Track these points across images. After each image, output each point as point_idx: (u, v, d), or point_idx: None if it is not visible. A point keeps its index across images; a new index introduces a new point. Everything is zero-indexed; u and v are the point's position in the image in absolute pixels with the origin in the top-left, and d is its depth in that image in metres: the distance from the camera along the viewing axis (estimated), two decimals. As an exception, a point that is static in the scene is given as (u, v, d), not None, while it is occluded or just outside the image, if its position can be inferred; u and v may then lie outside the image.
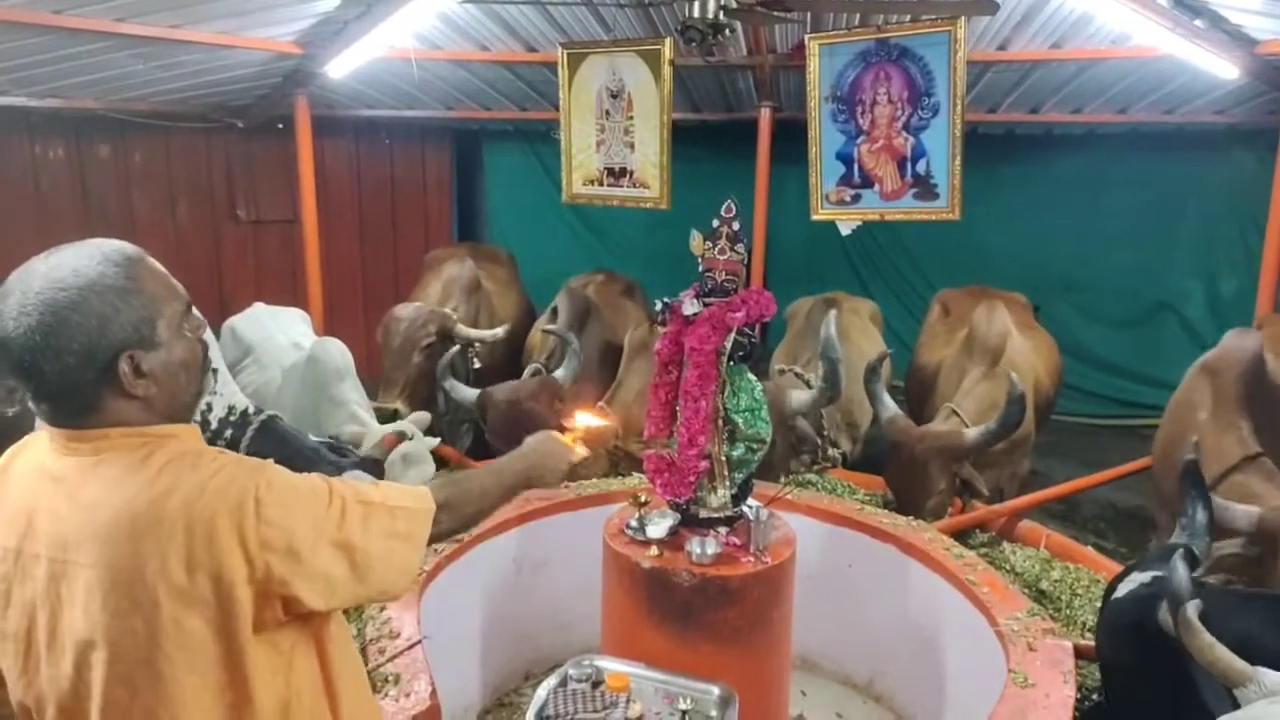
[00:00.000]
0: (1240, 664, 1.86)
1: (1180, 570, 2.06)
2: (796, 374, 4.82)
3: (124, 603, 1.23)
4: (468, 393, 4.68)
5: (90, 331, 1.25)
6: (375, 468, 3.32)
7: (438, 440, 3.85)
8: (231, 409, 3.44)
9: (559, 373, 4.68)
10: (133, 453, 1.30)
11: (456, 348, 5.01)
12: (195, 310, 1.41)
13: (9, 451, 1.43)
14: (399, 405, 4.78)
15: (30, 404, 1.32)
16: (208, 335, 1.49)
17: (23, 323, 1.23)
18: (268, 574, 1.27)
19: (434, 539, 1.54)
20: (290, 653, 1.37)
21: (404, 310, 5.16)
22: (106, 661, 1.25)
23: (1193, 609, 1.97)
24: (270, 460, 1.37)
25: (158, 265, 1.37)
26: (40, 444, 1.37)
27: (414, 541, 1.48)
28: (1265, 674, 1.83)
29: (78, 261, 1.27)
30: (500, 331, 5.23)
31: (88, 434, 1.30)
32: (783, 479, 4.18)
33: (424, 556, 1.51)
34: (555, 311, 5.30)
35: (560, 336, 4.83)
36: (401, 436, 3.49)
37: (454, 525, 1.61)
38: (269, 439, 3.38)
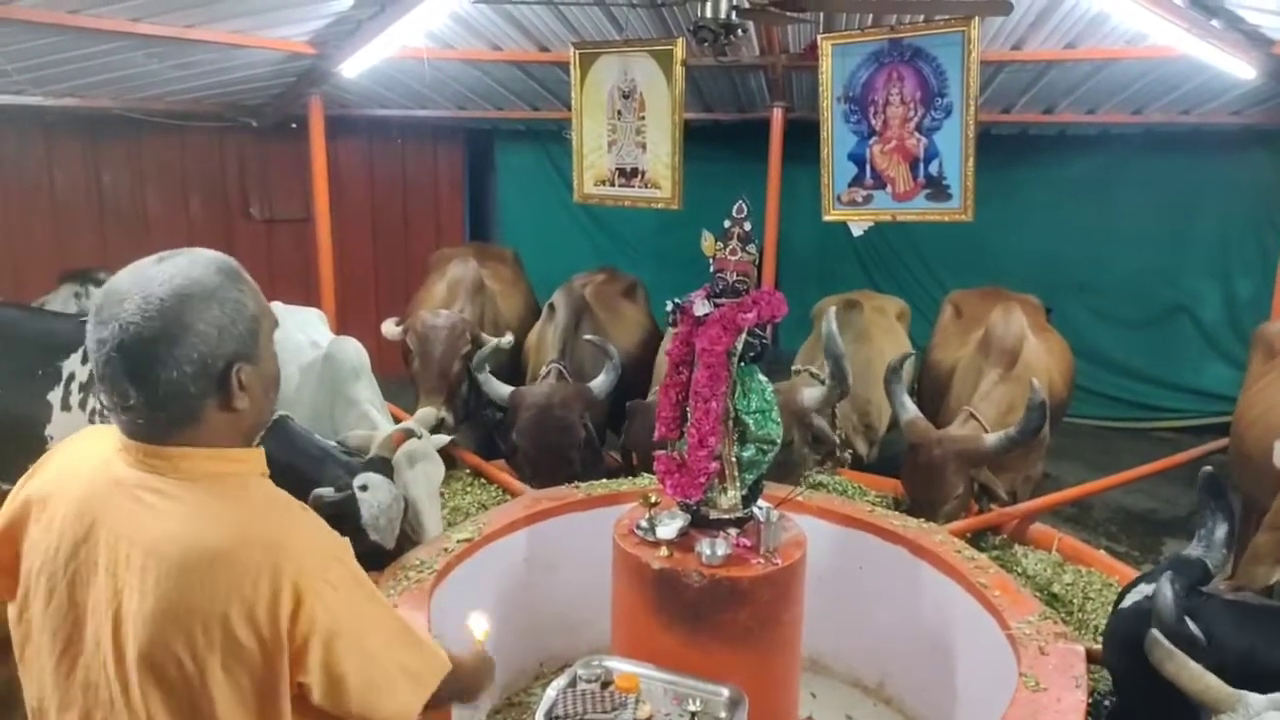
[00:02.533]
0: (1225, 688, 1.86)
1: (1166, 594, 2.05)
2: (812, 373, 4.81)
3: (174, 634, 1.21)
4: (501, 388, 4.69)
5: (210, 341, 1.24)
6: (384, 467, 3.33)
7: (447, 439, 3.85)
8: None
9: (595, 383, 4.65)
10: (215, 483, 1.28)
11: (493, 343, 5.03)
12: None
13: (72, 445, 1.42)
14: (446, 413, 4.82)
15: (115, 414, 1.28)
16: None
17: (147, 328, 1.20)
18: (304, 649, 1.25)
19: (430, 702, 1.44)
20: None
21: (440, 319, 5.16)
22: (154, 686, 1.23)
23: (1160, 637, 1.99)
24: (344, 540, 1.36)
25: (251, 281, 1.35)
26: (103, 449, 1.33)
27: (422, 684, 1.41)
28: (1253, 698, 1.82)
29: (194, 269, 1.26)
30: (506, 339, 5.23)
31: (168, 451, 1.27)
32: (803, 477, 4.17)
33: (420, 707, 1.41)
34: (552, 308, 5.30)
35: (602, 349, 4.82)
36: (408, 434, 3.50)
37: (446, 698, 1.52)
38: (279, 439, 3.39)
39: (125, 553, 1.24)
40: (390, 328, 5.22)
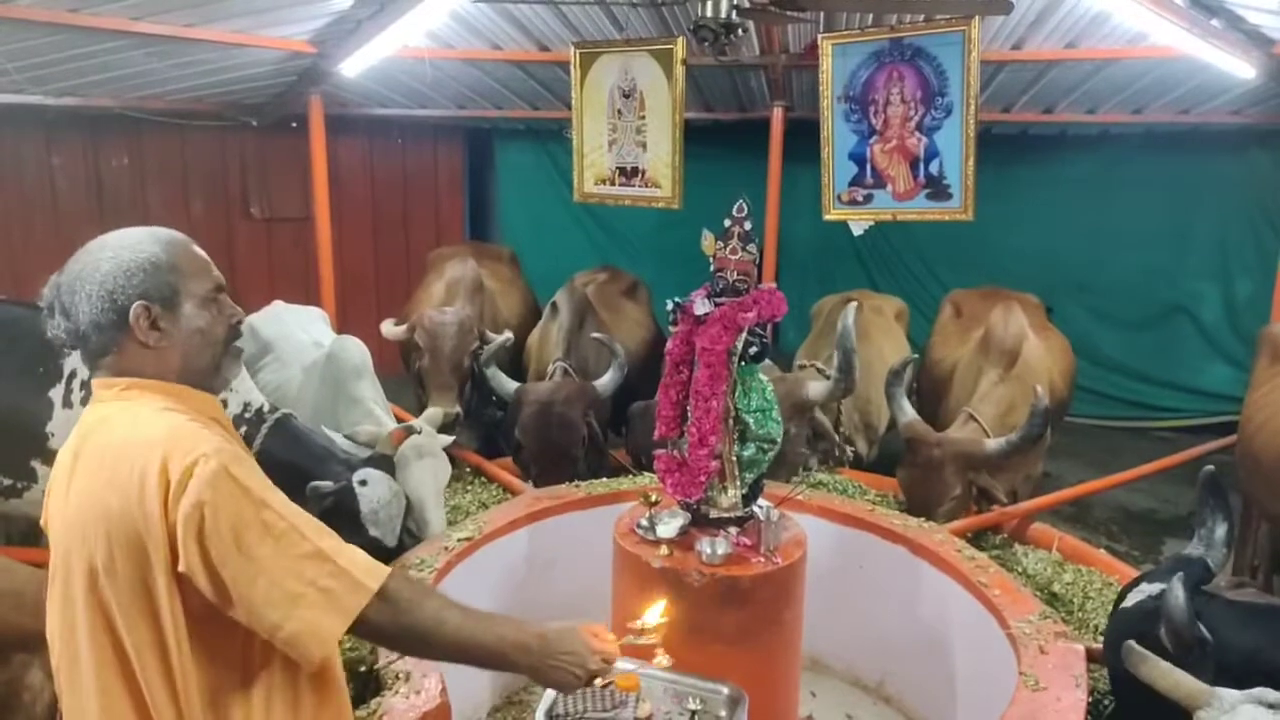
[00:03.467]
0: (1198, 685, 1.87)
1: (1178, 595, 2.05)
2: (818, 369, 4.81)
3: (80, 528, 1.36)
4: (508, 383, 4.70)
5: (116, 277, 1.43)
6: (385, 464, 3.33)
7: (450, 439, 3.86)
8: (247, 406, 3.46)
9: (601, 381, 4.65)
10: (146, 403, 1.44)
11: (498, 340, 5.03)
12: (229, 299, 1.58)
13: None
14: (458, 408, 4.84)
15: (71, 348, 1.51)
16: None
17: (72, 269, 1.45)
18: (174, 539, 1.32)
19: (363, 631, 1.43)
20: (249, 670, 1.42)
21: (449, 316, 5.15)
22: (82, 590, 1.37)
23: (1132, 643, 2.02)
24: (237, 451, 1.42)
25: (199, 252, 1.55)
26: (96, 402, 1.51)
27: (332, 601, 1.37)
28: (1225, 693, 1.83)
29: (130, 232, 1.50)
30: (505, 336, 5.22)
31: (115, 381, 1.46)
32: (800, 472, 4.16)
33: (339, 630, 1.38)
34: (555, 307, 5.30)
35: (609, 347, 4.82)
36: (410, 431, 3.50)
37: (390, 630, 1.45)
38: (282, 437, 3.39)
39: (72, 467, 1.42)
40: (390, 328, 5.19)
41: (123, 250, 1.45)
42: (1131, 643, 2.01)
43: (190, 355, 1.50)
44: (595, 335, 5.03)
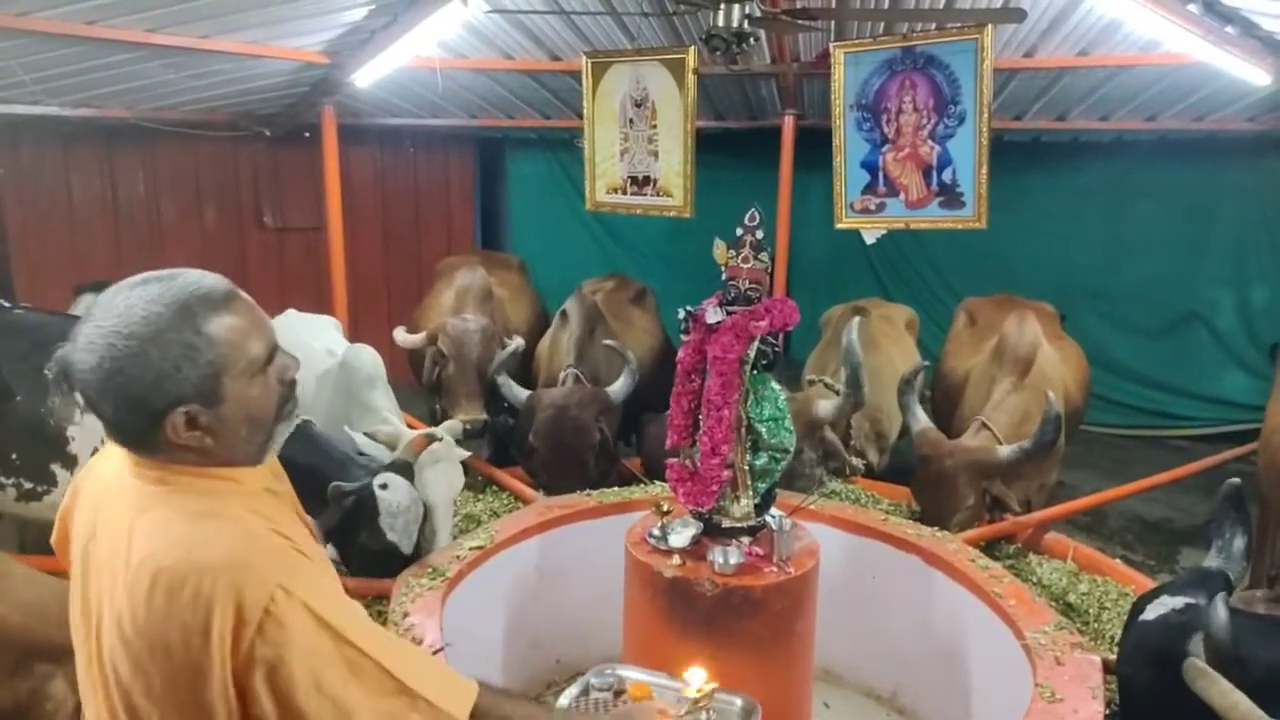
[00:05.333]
0: (1257, 711, 1.85)
1: (1221, 614, 2.03)
2: (826, 384, 4.80)
3: (131, 641, 1.22)
4: (520, 392, 4.71)
5: (145, 385, 1.23)
6: (405, 470, 3.34)
7: (469, 453, 3.86)
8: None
9: (613, 388, 4.66)
10: (198, 499, 1.28)
11: (510, 348, 5.04)
12: (284, 353, 1.38)
13: (106, 449, 1.45)
14: (486, 415, 4.88)
15: None
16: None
17: (85, 360, 1.23)
18: (246, 676, 1.21)
19: None
20: None
21: (472, 324, 5.16)
22: (113, 690, 1.25)
23: (1200, 660, 1.99)
24: (307, 567, 1.30)
25: (246, 305, 1.32)
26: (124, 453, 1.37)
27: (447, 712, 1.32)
28: None
29: (152, 306, 1.24)
30: (517, 343, 5.23)
31: (151, 463, 1.30)
32: (813, 489, 4.15)
33: None
34: (565, 315, 5.31)
35: (620, 354, 4.83)
36: (431, 439, 3.51)
37: None
38: (302, 442, 3.41)
39: (110, 552, 1.28)
40: (404, 335, 5.18)
41: (148, 343, 1.21)
42: (1195, 659, 2.00)
43: (239, 443, 1.34)
44: (607, 342, 5.04)
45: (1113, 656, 2.78)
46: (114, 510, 1.31)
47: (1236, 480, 2.65)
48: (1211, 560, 2.54)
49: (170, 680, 1.21)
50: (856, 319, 4.45)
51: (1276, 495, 3.99)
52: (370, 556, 3.27)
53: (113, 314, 1.23)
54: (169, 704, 1.22)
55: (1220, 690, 1.92)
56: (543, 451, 4.44)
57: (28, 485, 3.53)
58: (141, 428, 1.26)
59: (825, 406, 4.26)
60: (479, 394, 4.97)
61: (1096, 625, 3.29)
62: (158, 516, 1.26)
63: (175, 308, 1.24)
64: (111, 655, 1.25)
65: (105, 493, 1.35)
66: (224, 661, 1.19)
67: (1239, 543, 2.54)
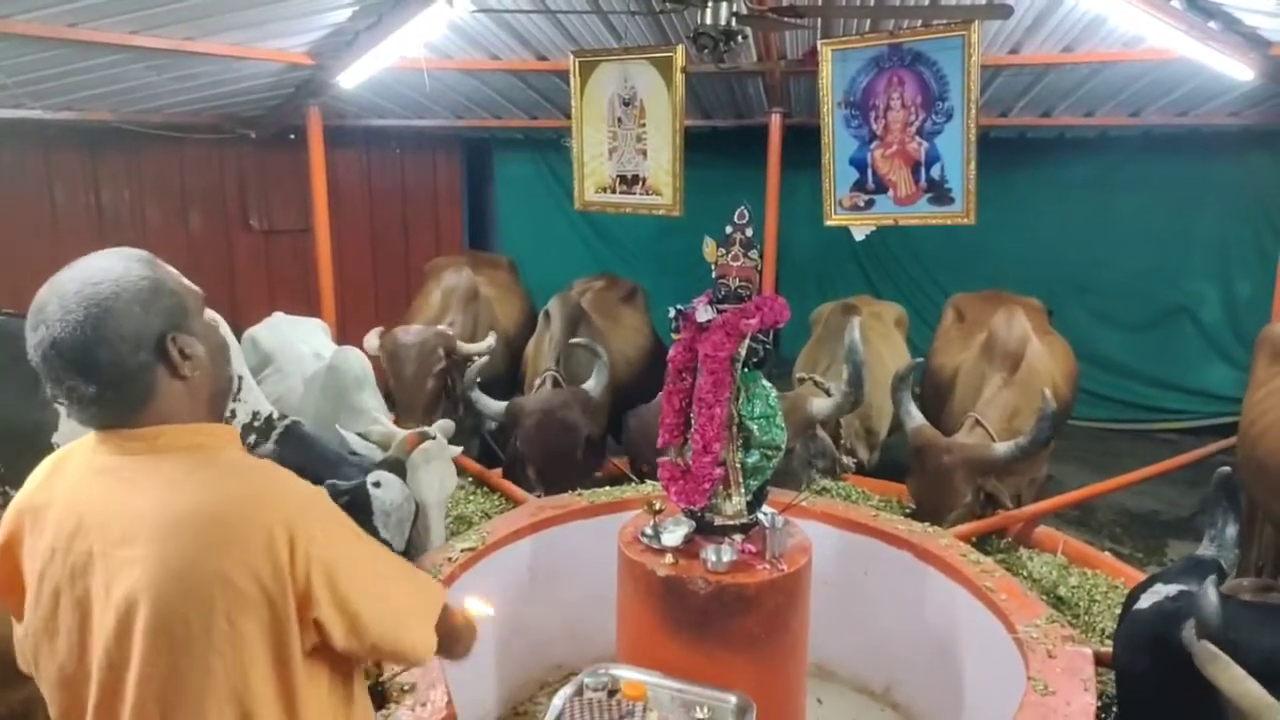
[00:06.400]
0: (1267, 698, 1.86)
1: (1211, 598, 2.04)
2: (816, 382, 4.81)
3: (178, 596, 1.24)
4: (494, 405, 4.68)
5: (136, 316, 1.29)
6: (397, 468, 3.33)
7: (459, 450, 3.86)
8: (256, 415, 3.47)
9: (589, 384, 4.66)
10: (191, 454, 1.33)
11: (478, 355, 5.00)
12: (209, 309, 1.47)
13: (56, 455, 1.44)
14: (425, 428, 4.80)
15: (75, 412, 1.34)
16: (230, 339, 1.52)
17: (69, 321, 1.27)
18: (307, 588, 1.29)
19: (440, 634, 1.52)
20: (335, 700, 1.42)
21: (408, 336, 5.09)
22: (165, 653, 1.26)
23: (1205, 642, 2.01)
24: (320, 489, 1.41)
25: (170, 267, 1.42)
26: (85, 449, 1.39)
27: (427, 616, 1.49)
28: None
29: (104, 262, 1.33)
30: (487, 344, 5.18)
31: (142, 432, 1.33)
32: (802, 488, 4.16)
33: (433, 639, 1.51)
34: (547, 316, 5.30)
35: (590, 350, 4.82)
36: (424, 437, 3.51)
37: (441, 630, 1.54)
38: (293, 444, 3.40)
39: (119, 531, 1.28)
40: (372, 340, 5.11)
41: (119, 283, 1.29)
42: (1206, 643, 2.01)
43: (217, 376, 1.43)
44: (575, 340, 5.02)
45: (1104, 649, 2.80)
46: (101, 494, 1.32)
47: (1228, 469, 2.66)
48: (1205, 549, 2.56)
49: (237, 610, 1.25)
50: (857, 318, 4.47)
51: (1256, 488, 4.02)
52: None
53: (70, 284, 1.30)
54: (234, 635, 1.26)
55: (1231, 676, 1.93)
56: (534, 456, 4.44)
57: (13, 492, 3.51)
58: (141, 371, 1.30)
59: (820, 405, 4.26)
60: (414, 407, 4.91)
61: (1087, 618, 3.31)
62: (166, 479, 1.30)
63: (122, 259, 1.34)
64: (155, 616, 1.24)
65: (72, 499, 1.34)
66: (289, 581, 1.27)
67: (1231, 530, 2.56)
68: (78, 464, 1.38)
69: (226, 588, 1.24)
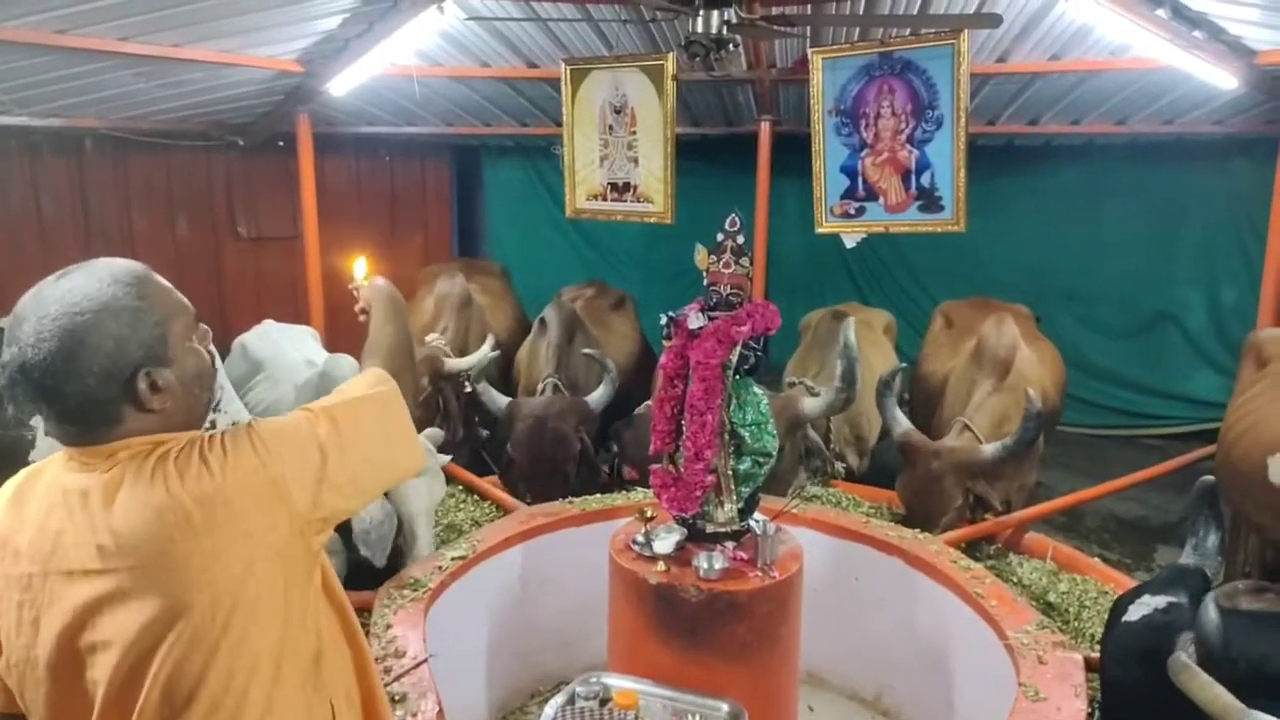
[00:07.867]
0: (1235, 705, 1.88)
1: (1212, 615, 2.06)
2: (807, 386, 4.82)
3: (181, 591, 1.25)
4: (499, 399, 4.68)
5: (109, 353, 1.27)
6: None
7: (448, 458, 3.85)
8: (236, 425, 3.44)
9: (592, 396, 4.65)
10: (149, 458, 1.30)
11: (482, 356, 4.98)
12: (201, 323, 1.45)
13: (21, 477, 1.40)
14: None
15: (45, 425, 1.33)
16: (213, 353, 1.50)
17: (42, 349, 1.25)
18: (313, 505, 1.36)
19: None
20: (315, 602, 1.44)
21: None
22: (185, 642, 1.25)
23: (1185, 655, 2.03)
24: (249, 423, 1.41)
25: (163, 281, 1.39)
26: (55, 467, 1.36)
27: (398, 419, 1.58)
28: (1259, 716, 1.84)
29: (88, 284, 1.29)
30: (477, 357, 5.14)
31: (107, 449, 1.31)
32: (791, 490, 4.16)
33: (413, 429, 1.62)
34: (543, 323, 5.30)
35: (600, 363, 4.82)
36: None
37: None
38: None
39: (95, 549, 1.25)
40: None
41: (100, 313, 1.26)
42: (1180, 654, 2.04)
43: (192, 404, 1.40)
44: (586, 351, 5.03)
45: (1094, 655, 2.80)
46: (77, 514, 1.28)
47: (1209, 478, 2.68)
48: (1187, 558, 2.57)
49: (263, 563, 1.30)
50: (851, 319, 4.49)
51: (1233, 492, 4.04)
52: (347, 569, 3.25)
53: (51, 305, 1.27)
54: (265, 588, 1.30)
55: (1200, 684, 1.95)
56: (522, 462, 4.42)
57: None
58: (108, 404, 1.29)
59: (810, 404, 4.28)
60: None
61: (1077, 624, 3.32)
62: (137, 481, 1.27)
63: (110, 281, 1.30)
64: (176, 601, 1.25)
65: (45, 521, 1.31)
66: (302, 518, 1.34)
67: (1213, 539, 2.58)
68: (45, 487, 1.34)
69: (254, 545, 1.29)
